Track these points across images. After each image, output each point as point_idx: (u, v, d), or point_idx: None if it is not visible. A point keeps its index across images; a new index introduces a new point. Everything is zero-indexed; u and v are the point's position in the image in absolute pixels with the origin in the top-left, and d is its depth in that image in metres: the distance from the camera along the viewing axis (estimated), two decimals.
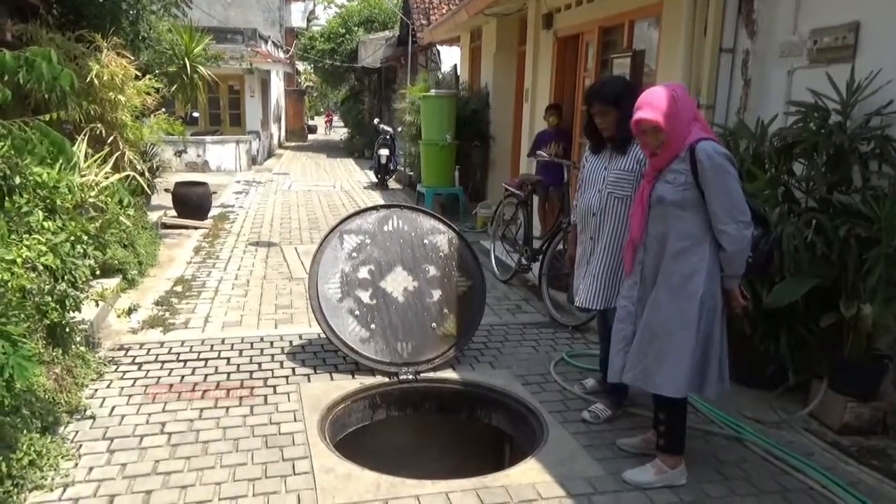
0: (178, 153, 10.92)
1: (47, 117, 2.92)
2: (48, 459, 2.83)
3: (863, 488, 2.90)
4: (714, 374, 2.81)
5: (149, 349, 4.30)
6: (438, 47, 14.81)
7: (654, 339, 2.84)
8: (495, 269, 6.46)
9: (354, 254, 4.24)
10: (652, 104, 2.73)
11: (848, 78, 3.45)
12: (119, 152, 6.66)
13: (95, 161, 5.57)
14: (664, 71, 5.20)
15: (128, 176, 6.35)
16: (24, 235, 3.33)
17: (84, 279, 3.77)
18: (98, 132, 6.47)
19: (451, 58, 14.33)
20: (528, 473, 2.98)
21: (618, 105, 3.25)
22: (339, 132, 33.38)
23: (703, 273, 2.75)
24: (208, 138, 15.33)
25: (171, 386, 3.76)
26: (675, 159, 2.78)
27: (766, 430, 3.39)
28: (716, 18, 4.49)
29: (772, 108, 4.03)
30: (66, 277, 3.51)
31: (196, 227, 8.37)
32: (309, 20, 28.62)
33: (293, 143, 26.99)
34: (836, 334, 3.37)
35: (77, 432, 3.19)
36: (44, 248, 3.33)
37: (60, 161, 3.05)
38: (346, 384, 3.85)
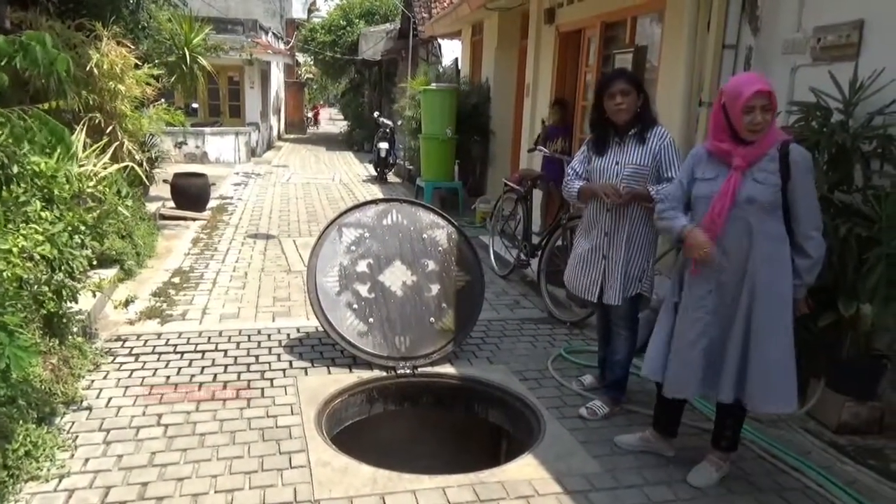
0: (178, 144, 10.90)
1: (46, 106, 2.90)
2: (44, 450, 2.82)
3: (860, 487, 2.90)
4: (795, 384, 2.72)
5: (146, 340, 4.29)
6: (439, 41, 14.77)
7: (753, 354, 2.68)
8: (494, 264, 6.45)
9: (353, 247, 4.22)
10: (765, 81, 2.60)
11: (851, 76, 3.44)
12: (118, 142, 6.64)
13: (94, 151, 5.54)
14: (667, 67, 5.18)
15: (126, 166, 6.33)
16: (21, 225, 3.31)
17: (81, 269, 3.75)
18: (97, 122, 6.45)
19: (452, 51, 14.29)
20: (524, 469, 2.98)
21: (639, 89, 3.26)
22: (331, 127, 33.27)
23: (787, 279, 2.66)
24: (207, 129, 15.27)
25: (167, 378, 3.75)
26: (765, 157, 2.64)
27: (763, 429, 3.39)
28: (719, 14, 4.47)
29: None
30: (63, 267, 3.49)
31: (194, 219, 8.34)
32: (310, 11, 28.50)
33: (293, 136, 26.94)
34: (834, 334, 3.37)
35: (73, 423, 3.18)
36: (41, 238, 3.31)
37: (59, 150, 3.03)
38: (344, 378, 3.84)
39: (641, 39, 5.84)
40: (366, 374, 3.89)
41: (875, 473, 3.00)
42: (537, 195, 6.73)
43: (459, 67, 12.40)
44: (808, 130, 3.52)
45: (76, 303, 3.75)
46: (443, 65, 14.11)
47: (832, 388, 3.41)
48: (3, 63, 2.61)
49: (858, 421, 3.34)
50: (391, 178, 13.77)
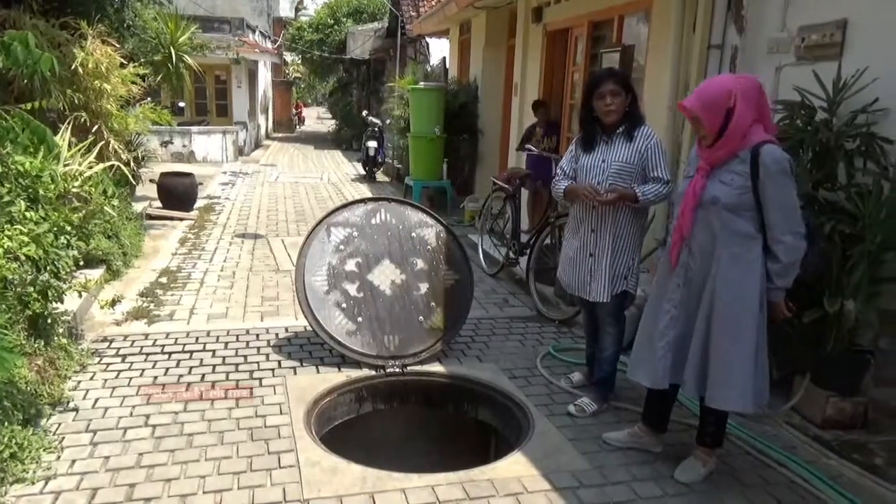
0: (164, 143, 10.82)
1: (30, 106, 2.88)
2: (30, 452, 2.80)
3: (844, 482, 2.94)
4: (760, 385, 2.72)
5: (133, 341, 4.27)
6: (427, 39, 14.74)
7: (710, 356, 2.73)
8: (483, 262, 6.46)
9: (342, 246, 4.22)
10: (699, 93, 2.66)
11: (835, 75, 3.47)
12: (104, 142, 6.58)
13: (79, 150, 5.50)
14: (653, 66, 5.21)
15: (112, 166, 6.28)
16: (5, 225, 3.28)
17: (67, 270, 3.72)
18: (82, 121, 6.39)
19: (440, 50, 14.27)
20: (513, 467, 2.99)
21: (626, 91, 3.30)
22: (319, 126, 33.11)
23: (754, 281, 2.66)
24: (194, 128, 15.18)
25: (155, 378, 3.73)
26: (734, 160, 2.66)
27: (749, 425, 3.42)
28: (705, 14, 4.50)
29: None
30: (48, 268, 3.47)
31: (182, 219, 8.29)
32: (297, 10, 28.40)
33: (281, 134, 26.83)
34: (818, 330, 3.40)
35: (60, 425, 3.16)
36: (26, 239, 3.28)
37: (42, 150, 3.01)
38: (333, 377, 3.83)
39: (628, 39, 5.86)
40: (355, 374, 3.89)
41: (859, 468, 3.04)
42: (526, 194, 6.74)
43: (447, 66, 12.40)
44: (792, 129, 3.56)
45: (62, 303, 3.72)
46: (431, 64, 14.09)
47: (817, 383, 3.44)
48: None
49: (842, 416, 3.38)
50: (380, 177, 13.75)
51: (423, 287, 4.23)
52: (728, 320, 2.70)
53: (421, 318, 4.14)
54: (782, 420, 3.49)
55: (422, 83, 10.09)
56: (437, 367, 4.05)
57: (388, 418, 4.02)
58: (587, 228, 3.47)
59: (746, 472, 3.01)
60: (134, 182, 7.50)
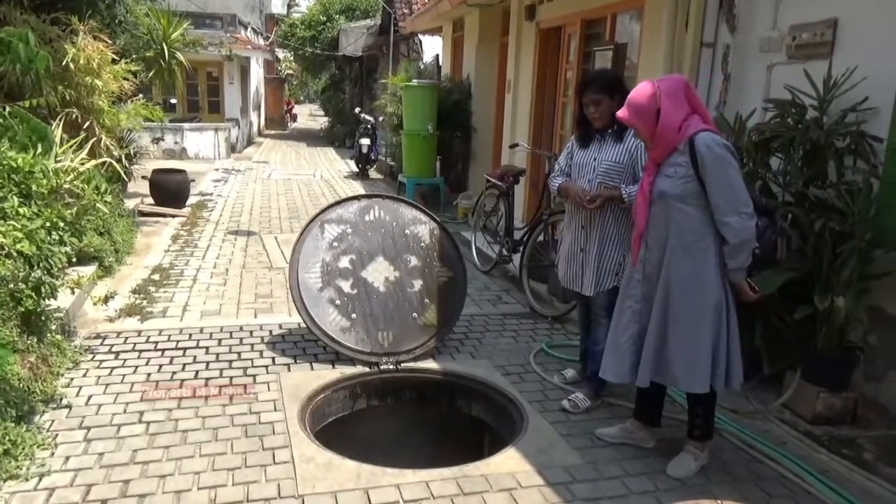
0: (156, 140, 10.78)
1: (27, 103, 2.87)
2: (23, 449, 2.79)
3: (834, 476, 2.97)
4: (724, 368, 2.80)
5: (126, 338, 4.26)
6: (421, 37, 14.76)
7: (668, 339, 2.83)
8: (476, 259, 6.47)
9: (335, 243, 4.22)
10: (630, 102, 2.80)
11: (825, 74, 3.50)
12: (95, 138, 6.54)
13: (71, 147, 5.47)
14: (646, 64, 5.24)
15: (104, 162, 6.25)
16: None
17: (60, 266, 3.72)
18: (74, 117, 6.35)
19: (433, 48, 14.29)
20: (507, 462, 3.01)
21: (611, 95, 3.34)
22: (312, 123, 33.04)
23: (710, 267, 2.75)
24: (186, 125, 15.12)
25: (148, 375, 3.72)
26: (674, 152, 2.78)
27: (741, 420, 3.46)
28: (697, 13, 4.53)
29: (751, 102, 4.08)
30: (41, 264, 3.46)
31: (174, 215, 8.27)
32: (289, 7, 28.31)
33: (273, 131, 26.73)
34: (809, 326, 3.44)
35: (53, 421, 3.15)
36: (19, 235, 3.27)
37: (39, 147, 3.00)
38: (327, 374, 3.84)
39: (621, 37, 5.89)
40: (349, 370, 3.89)
41: (848, 462, 3.07)
42: (519, 191, 6.76)
43: (440, 64, 12.40)
44: (783, 127, 3.58)
45: (55, 300, 3.71)
46: (424, 61, 14.09)
47: (807, 379, 3.48)
48: None
49: (833, 412, 3.41)
50: (373, 174, 13.74)
51: (417, 284, 4.24)
52: (684, 307, 2.79)
53: (415, 314, 4.15)
54: (773, 416, 3.52)
55: (415, 80, 10.09)
56: (430, 364, 4.06)
57: (382, 415, 4.03)
58: (578, 225, 3.55)
59: (738, 467, 3.03)
60: (126, 178, 7.47)
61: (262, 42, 22.59)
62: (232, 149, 16.48)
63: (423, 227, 4.41)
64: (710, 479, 2.93)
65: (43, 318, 3.65)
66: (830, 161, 3.42)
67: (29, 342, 3.46)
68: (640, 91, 2.81)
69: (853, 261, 3.18)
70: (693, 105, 2.81)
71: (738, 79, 4.34)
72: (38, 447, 2.88)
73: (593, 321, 3.61)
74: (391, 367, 3.95)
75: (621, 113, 2.83)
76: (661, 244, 2.85)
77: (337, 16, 22.36)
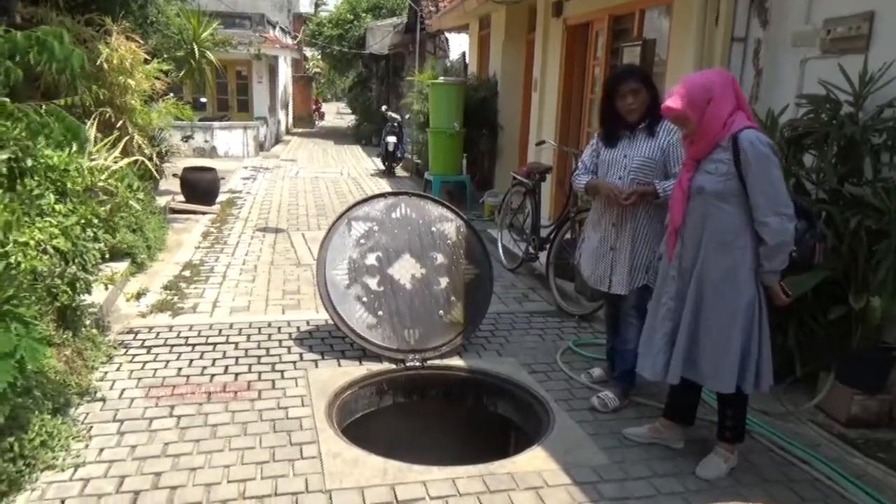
0: (186, 138, 10.94)
1: (62, 102, 2.94)
2: (59, 440, 2.86)
3: (869, 480, 2.91)
4: (753, 369, 2.76)
5: (158, 333, 4.33)
6: (447, 34, 14.72)
7: (699, 336, 2.80)
8: (502, 257, 6.46)
9: (362, 240, 4.24)
10: (680, 92, 2.71)
11: (861, 69, 3.42)
12: (128, 137, 6.67)
13: (105, 145, 5.59)
14: (675, 60, 5.17)
15: (136, 160, 6.37)
16: (35, 218, 3.35)
17: (94, 262, 3.80)
18: (107, 116, 6.48)
19: (459, 45, 14.25)
20: (533, 461, 3.00)
21: (647, 87, 3.32)
22: (339, 121, 33.25)
23: (746, 267, 2.71)
24: (216, 124, 15.33)
25: (179, 370, 3.78)
26: (717, 148, 2.73)
27: (772, 422, 3.40)
28: (728, 7, 4.45)
29: (783, 98, 4.00)
30: (76, 260, 3.54)
31: (204, 213, 8.39)
32: (317, 6, 28.53)
33: (301, 130, 26.97)
34: (844, 327, 3.37)
35: (87, 414, 3.22)
36: (55, 231, 3.35)
37: (74, 145, 3.07)
38: (354, 370, 3.87)
39: (649, 32, 5.82)
40: (375, 367, 3.91)
41: (884, 466, 3.01)
42: (546, 188, 6.72)
43: (467, 61, 12.37)
44: (817, 123, 3.51)
45: (89, 295, 3.80)
46: (450, 59, 14.07)
47: (841, 381, 3.41)
48: (17, 58, 2.64)
49: (868, 414, 3.34)
50: (399, 172, 13.77)
51: (443, 281, 4.24)
52: (718, 306, 2.75)
53: (441, 312, 4.15)
54: (806, 417, 3.46)
55: (441, 78, 10.08)
56: (456, 362, 4.07)
57: (409, 411, 4.04)
58: (608, 223, 3.49)
59: (769, 469, 2.99)
60: (157, 176, 7.60)
61: (289, 41, 22.79)
62: (260, 147, 16.67)
63: (449, 225, 4.42)
64: (740, 481, 2.89)
65: (78, 312, 3.74)
66: (866, 157, 3.34)
67: (64, 336, 3.55)
68: (694, 81, 2.75)
69: (889, 259, 3.10)
70: (739, 101, 2.75)
71: (769, 74, 4.26)
72: (73, 439, 2.95)
73: (622, 320, 3.58)
74: (417, 364, 3.96)
75: (673, 102, 2.72)
76: (697, 241, 2.80)
77: (364, 14, 22.45)
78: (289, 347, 4.19)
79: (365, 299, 4.10)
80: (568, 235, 5.19)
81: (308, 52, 29.75)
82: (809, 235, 2.76)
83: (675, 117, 2.78)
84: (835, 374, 3.44)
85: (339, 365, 3.94)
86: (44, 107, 2.73)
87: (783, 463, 3.05)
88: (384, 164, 13.67)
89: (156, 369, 3.78)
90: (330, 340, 4.30)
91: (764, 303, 2.77)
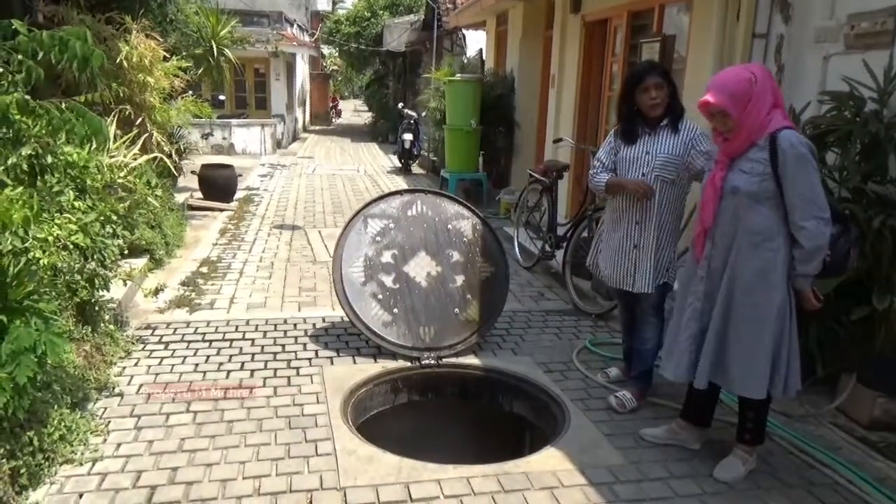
0: (205, 136, 11.02)
1: (83, 99, 2.96)
2: (78, 434, 2.89)
3: (892, 484, 2.86)
4: (783, 374, 2.70)
5: (175, 329, 4.37)
6: (464, 31, 14.69)
7: (728, 340, 2.75)
8: (518, 255, 6.43)
9: (378, 238, 4.24)
10: (723, 86, 2.62)
11: (886, 65, 3.35)
12: (147, 134, 6.74)
13: (124, 142, 5.64)
14: (695, 56, 5.11)
15: (155, 157, 6.42)
16: (55, 214, 3.38)
17: (113, 258, 3.82)
18: (127, 114, 6.54)
19: (476, 42, 14.22)
20: (549, 461, 2.98)
21: (668, 82, 3.28)
22: (356, 118, 33.34)
23: (778, 270, 2.64)
24: (234, 121, 15.42)
25: (196, 366, 3.81)
26: (753, 148, 2.65)
27: (792, 423, 3.35)
28: (749, 2, 4.38)
29: (805, 95, 3.93)
30: (95, 256, 3.56)
31: (222, 210, 8.45)
32: (334, 3, 28.59)
33: (318, 127, 27.07)
34: (867, 327, 3.30)
35: (105, 409, 3.25)
36: (74, 228, 3.37)
37: (93, 142, 3.09)
38: (369, 368, 3.87)
39: (669, 29, 5.75)
40: (391, 364, 3.91)
41: None
42: (563, 186, 6.68)
43: (484, 58, 12.34)
44: (840, 120, 3.45)
45: (108, 291, 3.82)
46: (467, 55, 14.04)
47: (864, 382, 3.35)
48: (39, 57, 2.66)
49: (890, 417, 3.28)
50: (415, 169, 13.78)
51: (459, 279, 4.23)
52: (748, 308, 2.69)
53: (456, 310, 4.14)
54: (827, 420, 3.40)
55: (458, 75, 10.06)
56: (472, 360, 4.05)
57: (423, 410, 4.03)
58: (631, 220, 3.44)
59: (789, 472, 2.94)
60: (176, 173, 7.66)
61: (307, 39, 22.88)
62: (278, 144, 16.75)
63: (465, 223, 4.40)
64: (758, 484, 2.85)
65: (97, 308, 3.77)
66: (891, 155, 3.27)
67: (84, 332, 3.58)
68: (736, 75, 2.67)
69: None
70: (776, 98, 2.66)
71: (791, 71, 4.19)
72: (91, 433, 2.98)
73: (641, 320, 3.54)
74: (432, 362, 3.96)
75: (713, 97, 2.61)
76: (728, 241, 2.73)
77: (381, 11, 22.47)
78: (304, 344, 4.20)
79: (380, 297, 4.09)
80: (585, 234, 5.15)
81: (325, 49, 29.83)
82: (844, 240, 2.68)
83: (712, 112, 2.67)
84: (857, 376, 3.39)
85: (355, 362, 3.95)
86: (64, 104, 2.75)
87: (803, 466, 3.00)
88: (401, 161, 13.69)
89: (173, 365, 3.81)
90: (345, 338, 4.30)
91: (794, 307, 2.70)
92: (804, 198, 2.55)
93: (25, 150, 2.82)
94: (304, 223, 8.04)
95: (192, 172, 8.85)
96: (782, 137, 2.57)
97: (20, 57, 2.73)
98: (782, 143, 2.56)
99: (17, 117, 2.73)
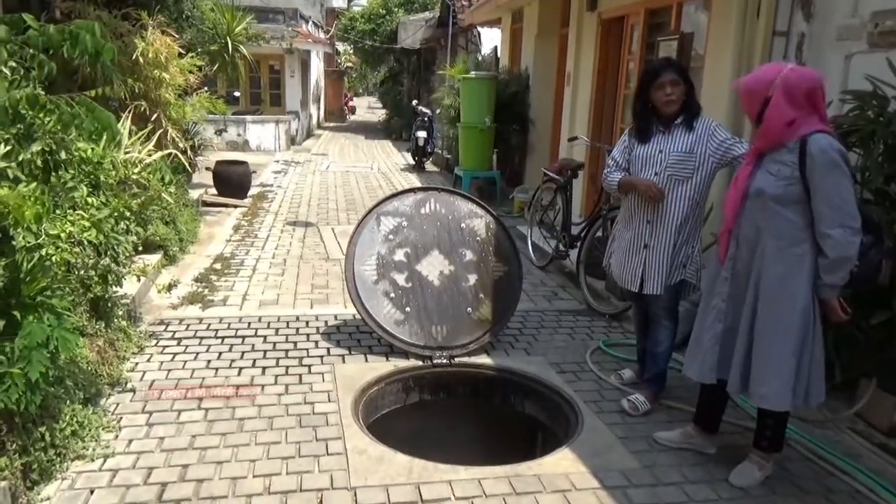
0: (219, 132, 11.04)
1: (93, 93, 2.95)
2: (90, 430, 2.90)
3: None
4: (805, 383, 2.64)
5: (188, 325, 4.38)
6: (479, 29, 14.63)
7: (752, 348, 2.68)
8: (532, 254, 6.39)
9: (391, 236, 4.22)
10: (750, 77, 2.64)
11: None
12: (162, 130, 6.75)
13: (139, 138, 5.65)
14: (713, 54, 5.03)
15: (170, 154, 6.44)
16: (68, 210, 3.38)
17: (126, 255, 3.83)
18: (142, 109, 6.56)
19: (491, 39, 14.15)
20: (561, 463, 2.95)
21: (685, 79, 3.26)
22: (370, 115, 33.38)
23: (801, 277, 2.56)
24: (249, 118, 15.47)
25: (208, 362, 3.81)
26: (782, 149, 2.59)
27: (810, 430, 3.29)
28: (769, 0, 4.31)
29: (827, 94, 3.84)
30: (108, 252, 3.56)
31: (236, 206, 8.47)
32: (349, 0, 28.58)
33: (332, 124, 27.12)
34: (886, 332, 3.23)
35: (118, 405, 3.26)
36: (87, 224, 3.37)
37: (105, 137, 3.09)
38: (381, 366, 3.85)
39: (687, 26, 5.68)
40: (402, 363, 3.89)
41: None
42: (577, 185, 6.63)
43: (499, 56, 12.28)
44: (862, 120, 3.38)
45: (121, 287, 3.83)
46: (482, 53, 13.98)
47: (884, 388, 3.28)
48: (52, 52, 2.66)
49: None
50: (429, 167, 13.75)
51: (472, 278, 4.20)
52: (771, 316, 2.62)
53: (469, 309, 4.11)
54: (845, 426, 3.34)
55: (473, 72, 10.02)
56: (484, 359, 4.02)
57: (435, 409, 4.01)
58: (642, 220, 3.39)
59: (806, 479, 2.89)
60: (190, 170, 7.67)
61: (322, 36, 22.91)
62: (292, 141, 16.79)
63: (478, 221, 4.37)
64: (775, 490, 2.80)
65: (110, 304, 3.78)
66: None
67: (97, 327, 3.59)
68: (761, 74, 2.65)
69: None
70: (816, 107, 2.57)
71: (813, 69, 4.11)
72: (103, 429, 2.99)
73: (654, 322, 3.49)
74: (444, 361, 3.93)
75: (735, 84, 2.66)
76: (752, 244, 2.68)
77: (396, 9, 22.45)
78: (316, 342, 4.19)
79: (393, 295, 4.07)
80: (600, 233, 5.10)
81: (340, 46, 29.86)
82: (875, 251, 2.58)
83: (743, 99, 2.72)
84: (876, 382, 3.32)
85: (366, 360, 3.93)
86: (75, 99, 2.75)
87: (821, 473, 2.95)
88: (414, 158, 13.67)
89: (185, 361, 3.81)
90: (357, 335, 4.29)
91: (818, 316, 2.62)
92: (831, 205, 2.47)
93: (37, 146, 2.82)
94: (317, 220, 8.04)
95: (207, 169, 8.88)
96: (813, 141, 2.50)
97: (32, 51, 2.73)
98: (812, 147, 2.49)
99: (29, 112, 2.73)
